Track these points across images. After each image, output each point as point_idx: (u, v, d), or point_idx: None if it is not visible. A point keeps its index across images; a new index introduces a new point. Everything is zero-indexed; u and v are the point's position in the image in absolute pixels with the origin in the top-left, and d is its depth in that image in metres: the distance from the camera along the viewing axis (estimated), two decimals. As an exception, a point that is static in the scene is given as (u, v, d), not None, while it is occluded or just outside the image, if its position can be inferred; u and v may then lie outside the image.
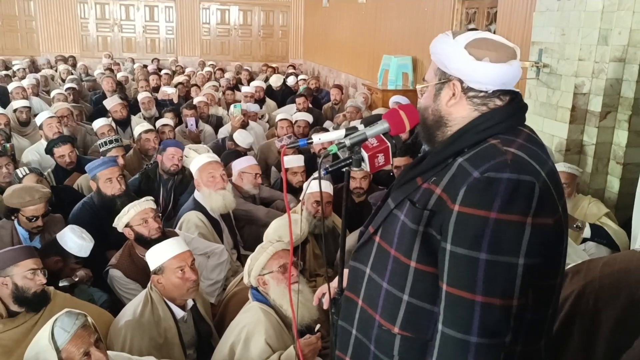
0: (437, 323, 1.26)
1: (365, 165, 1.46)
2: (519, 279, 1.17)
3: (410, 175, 1.39)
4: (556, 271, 1.30)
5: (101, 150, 4.40)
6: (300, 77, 10.09)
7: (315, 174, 1.44)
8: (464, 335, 1.20)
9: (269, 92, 8.91)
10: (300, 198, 3.40)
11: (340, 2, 10.58)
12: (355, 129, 1.47)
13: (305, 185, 1.70)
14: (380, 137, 1.46)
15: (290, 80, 9.86)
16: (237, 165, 4.02)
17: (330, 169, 1.46)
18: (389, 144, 1.46)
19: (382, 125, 1.44)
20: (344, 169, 1.48)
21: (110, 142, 4.40)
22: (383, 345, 1.38)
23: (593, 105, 3.83)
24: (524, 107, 1.37)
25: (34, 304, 2.40)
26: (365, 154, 1.44)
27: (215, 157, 3.68)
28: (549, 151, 1.38)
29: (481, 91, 1.31)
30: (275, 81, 9.33)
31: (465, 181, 1.21)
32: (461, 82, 1.32)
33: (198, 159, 3.61)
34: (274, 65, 12.50)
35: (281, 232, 2.88)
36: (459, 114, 1.34)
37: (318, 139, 1.49)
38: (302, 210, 3.40)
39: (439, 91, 1.37)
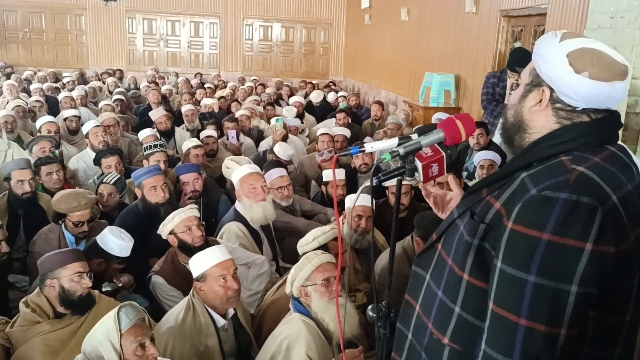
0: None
1: (419, 175, 1.43)
2: (569, 307, 1.09)
3: (479, 185, 1.34)
4: (624, 307, 1.19)
5: (145, 153, 4.47)
6: (340, 93, 10.13)
7: (367, 183, 1.41)
8: (505, 358, 1.14)
9: (309, 107, 8.96)
10: (347, 207, 3.37)
11: (383, 19, 10.61)
12: (409, 138, 1.45)
13: (356, 197, 1.69)
14: (434, 146, 1.43)
15: (330, 97, 9.90)
16: (267, 178, 4.04)
17: (383, 178, 1.43)
18: (443, 154, 1.42)
19: (437, 135, 1.41)
20: (396, 179, 1.46)
21: (155, 146, 4.48)
22: (432, 354, 1.34)
23: (646, 125, 3.71)
24: (615, 125, 1.26)
25: (79, 306, 2.44)
26: (419, 164, 1.41)
27: (257, 169, 3.69)
28: None
29: (569, 105, 1.22)
30: (316, 97, 9.37)
31: (522, 198, 1.15)
32: (552, 90, 1.23)
33: (239, 170, 3.63)
34: (314, 81, 12.58)
35: (316, 233, 2.93)
36: (540, 122, 1.27)
37: (370, 147, 1.47)
38: (343, 224, 3.37)
39: (527, 93, 1.29)
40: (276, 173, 4.07)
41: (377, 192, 4.03)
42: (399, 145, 1.42)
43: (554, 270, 1.10)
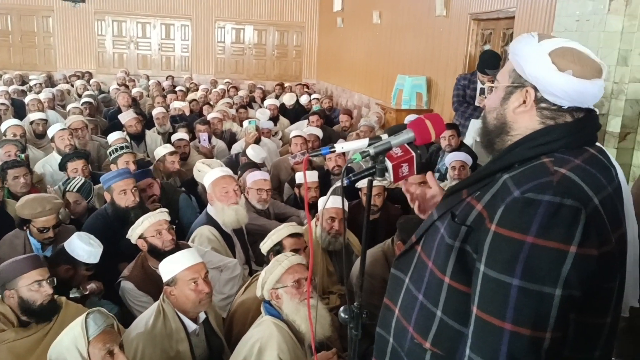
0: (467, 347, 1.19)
1: (389, 175, 1.43)
2: (554, 311, 1.08)
3: (458, 186, 1.33)
4: (605, 309, 1.19)
5: (111, 157, 4.39)
6: (313, 96, 10.13)
7: (337, 183, 1.40)
8: None
9: (282, 110, 8.94)
10: (319, 209, 3.37)
11: (355, 22, 10.66)
12: (379, 138, 1.45)
13: (326, 198, 1.68)
14: (404, 146, 1.43)
15: (304, 99, 9.89)
16: (248, 179, 4.01)
17: (353, 178, 1.42)
18: (413, 154, 1.43)
19: (407, 135, 1.41)
20: (366, 179, 1.45)
21: (121, 148, 4.40)
22: (414, 358, 1.33)
23: (612, 126, 3.79)
24: (594, 125, 1.26)
25: (42, 315, 2.37)
26: (389, 164, 1.41)
27: (229, 172, 3.66)
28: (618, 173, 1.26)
29: (555, 105, 1.22)
30: (289, 99, 9.36)
31: (504, 200, 1.13)
32: (536, 90, 1.23)
33: (211, 173, 3.60)
34: (287, 84, 12.56)
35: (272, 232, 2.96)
36: (524, 123, 1.26)
37: (341, 147, 1.46)
38: (316, 225, 3.37)
39: (509, 95, 1.27)
40: (260, 175, 4.07)
41: (350, 193, 4.04)
42: (369, 145, 1.41)
43: (538, 274, 1.08)
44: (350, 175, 1.43)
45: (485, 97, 1.41)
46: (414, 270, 1.37)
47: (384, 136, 1.45)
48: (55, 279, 2.42)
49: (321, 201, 3.59)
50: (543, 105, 1.23)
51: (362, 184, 3.94)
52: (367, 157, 1.41)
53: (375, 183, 3.99)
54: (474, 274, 1.18)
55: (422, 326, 1.30)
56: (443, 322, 1.26)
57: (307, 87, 12.47)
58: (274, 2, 13.76)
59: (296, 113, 9.05)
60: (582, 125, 1.23)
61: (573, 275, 1.08)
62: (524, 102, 1.25)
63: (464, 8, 6.33)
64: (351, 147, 1.46)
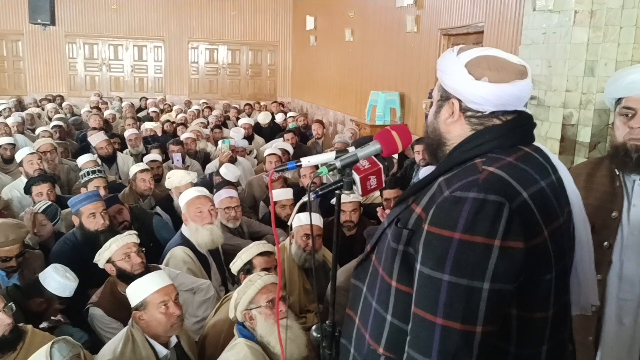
0: None
1: (357, 189, 1.41)
2: (483, 304, 1.10)
3: (406, 194, 1.35)
4: (544, 303, 1.21)
5: (82, 180, 4.29)
6: (289, 114, 10.13)
7: (305, 198, 1.37)
8: (424, 358, 1.14)
9: (257, 129, 8.91)
10: (294, 227, 3.32)
11: (328, 40, 10.73)
12: (346, 151, 1.42)
13: (293, 213, 1.64)
14: (372, 158, 1.41)
15: (279, 118, 9.89)
16: (215, 199, 3.97)
17: (320, 192, 1.40)
18: (381, 166, 1.40)
19: (373, 146, 1.39)
20: (335, 193, 1.42)
21: (93, 172, 4.30)
22: None
23: (582, 136, 3.83)
24: (527, 125, 1.31)
25: (3, 345, 2.26)
26: (356, 176, 1.39)
27: (204, 191, 3.61)
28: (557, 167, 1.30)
29: (479, 111, 1.27)
30: (263, 118, 9.34)
31: (436, 200, 1.18)
32: (460, 101, 1.29)
33: (186, 193, 3.55)
34: (262, 103, 12.56)
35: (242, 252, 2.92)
36: (456, 132, 1.31)
37: (307, 161, 1.43)
38: (291, 243, 3.32)
39: (440, 108, 1.34)
40: (225, 193, 3.99)
41: (327, 210, 4.00)
42: (335, 158, 1.39)
43: (466, 269, 1.11)
44: (318, 189, 1.40)
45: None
46: (369, 278, 1.39)
47: (351, 149, 1.42)
48: (13, 305, 2.31)
49: (296, 218, 3.55)
50: (469, 113, 1.29)
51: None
52: (334, 170, 1.39)
53: (351, 199, 3.98)
54: (414, 273, 1.20)
55: (376, 332, 1.32)
56: (393, 326, 1.28)
57: (282, 106, 12.48)
58: (247, 22, 13.80)
59: (271, 131, 9.04)
60: (513, 126, 1.27)
61: (500, 269, 1.11)
62: (452, 113, 1.31)
63: (434, 24, 6.41)
64: (318, 160, 1.44)
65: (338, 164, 1.37)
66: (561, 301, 1.26)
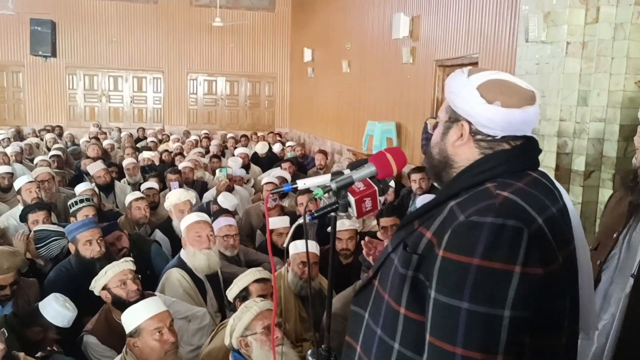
0: None
1: (352, 211, 1.42)
2: (504, 333, 1.07)
3: (410, 218, 1.33)
4: (558, 329, 1.18)
5: (71, 210, 4.26)
6: (288, 144, 10.19)
7: (300, 220, 1.38)
8: None
9: (255, 159, 8.95)
10: (290, 254, 3.31)
11: (325, 72, 10.87)
12: (341, 173, 1.44)
13: (288, 236, 1.64)
14: (367, 181, 1.43)
15: (276, 148, 9.94)
16: (214, 227, 3.97)
17: (316, 215, 1.41)
18: (376, 188, 1.42)
19: (368, 169, 1.41)
20: (330, 215, 1.43)
21: (81, 201, 4.27)
22: None
23: (577, 165, 3.86)
24: (534, 151, 1.30)
25: None
26: (352, 198, 1.40)
27: (205, 217, 3.63)
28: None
29: (489, 135, 1.25)
30: (261, 148, 9.40)
31: (451, 225, 1.15)
32: (470, 123, 1.27)
33: (187, 217, 3.58)
34: (260, 133, 12.64)
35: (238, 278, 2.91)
36: (464, 155, 1.29)
37: (303, 183, 1.45)
38: (287, 271, 3.30)
39: (448, 130, 1.32)
40: (223, 222, 4.00)
41: (324, 238, 3.99)
42: (331, 180, 1.40)
43: (486, 296, 1.08)
44: (313, 211, 1.41)
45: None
46: (372, 304, 1.35)
47: (346, 171, 1.44)
48: (5, 331, 2.28)
49: (292, 246, 3.54)
50: (479, 137, 1.27)
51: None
52: (330, 192, 1.40)
53: (347, 226, 3.97)
54: (427, 301, 1.17)
55: None
56: (401, 355, 1.24)
57: (280, 136, 12.56)
58: (246, 53, 14.01)
59: (269, 161, 9.07)
60: (521, 151, 1.26)
61: (520, 295, 1.08)
62: (461, 135, 1.29)
63: (429, 55, 6.52)
64: (313, 182, 1.45)
65: (333, 185, 1.38)
66: (573, 328, 1.24)
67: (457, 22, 5.88)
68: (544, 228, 1.14)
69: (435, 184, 1.42)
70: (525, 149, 1.27)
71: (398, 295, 1.24)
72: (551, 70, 3.94)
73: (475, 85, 1.25)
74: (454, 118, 1.30)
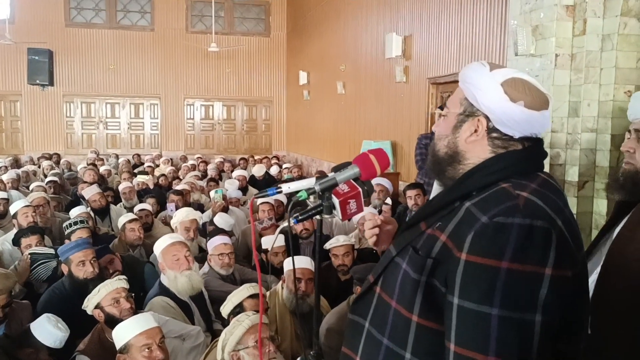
0: None
1: (337, 213, 1.41)
2: (537, 338, 1.03)
3: (414, 219, 1.28)
4: (578, 335, 1.15)
5: (66, 232, 4.26)
6: (285, 166, 10.21)
7: (285, 223, 1.37)
8: None
9: (252, 181, 8.96)
10: (285, 271, 3.28)
11: (321, 94, 10.96)
12: (326, 175, 1.43)
13: (274, 237, 1.63)
14: (351, 182, 1.41)
15: (273, 170, 9.96)
16: (209, 246, 3.95)
17: (301, 217, 1.40)
18: (360, 190, 1.40)
19: (352, 170, 1.40)
20: (315, 217, 1.42)
21: (75, 223, 4.27)
22: None
23: (570, 176, 3.86)
24: (543, 153, 1.27)
25: None
26: (336, 200, 1.39)
27: (179, 238, 3.57)
28: None
29: (506, 134, 1.21)
30: (258, 171, 9.42)
31: (472, 227, 1.09)
32: (488, 119, 1.21)
33: (160, 241, 3.48)
34: (257, 157, 12.68)
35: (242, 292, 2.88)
36: (476, 152, 1.24)
37: (287, 187, 1.44)
38: (282, 288, 3.28)
39: (461, 123, 1.26)
40: (219, 240, 3.97)
41: (320, 255, 3.97)
42: (315, 183, 1.40)
43: (518, 300, 1.03)
44: (297, 214, 1.40)
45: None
46: (374, 312, 1.28)
47: (331, 174, 1.44)
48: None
49: (287, 263, 3.52)
50: (495, 134, 1.22)
51: (330, 244, 3.89)
52: (314, 195, 1.39)
53: (342, 242, 3.95)
54: (446, 308, 1.11)
55: None
56: None
57: (277, 159, 12.60)
58: (242, 78, 14.12)
59: (266, 183, 9.08)
60: (533, 153, 1.23)
61: (550, 299, 1.04)
62: (476, 131, 1.23)
63: (422, 74, 6.58)
64: (298, 186, 1.44)
65: (317, 187, 1.36)
66: (586, 335, 1.20)
67: (448, 39, 5.95)
68: (564, 230, 1.10)
69: (437, 182, 1.38)
70: (536, 150, 1.24)
71: (410, 302, 1.18)
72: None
73: (500, 81, 1.20)
74: (470, 112, 1.24)
